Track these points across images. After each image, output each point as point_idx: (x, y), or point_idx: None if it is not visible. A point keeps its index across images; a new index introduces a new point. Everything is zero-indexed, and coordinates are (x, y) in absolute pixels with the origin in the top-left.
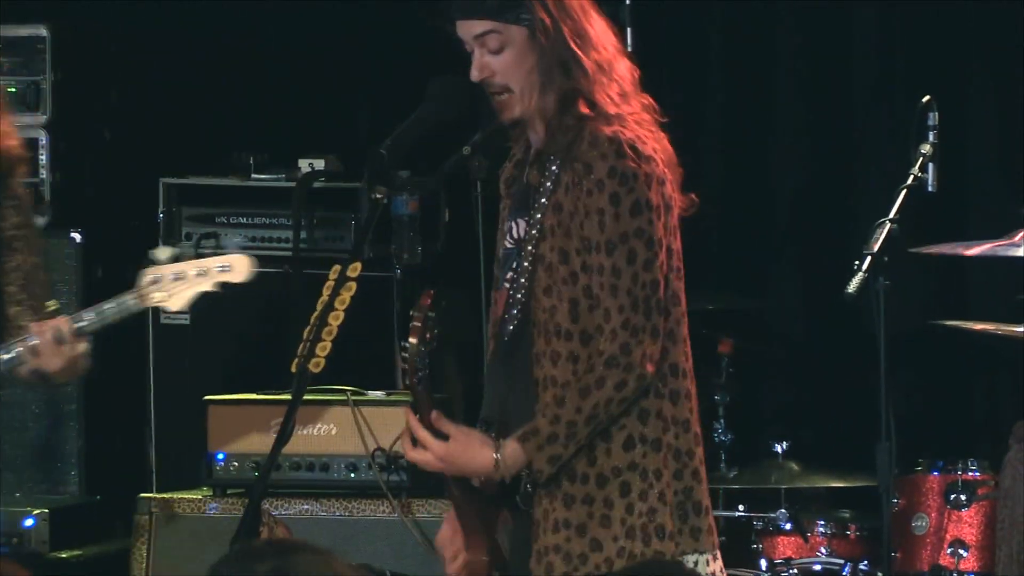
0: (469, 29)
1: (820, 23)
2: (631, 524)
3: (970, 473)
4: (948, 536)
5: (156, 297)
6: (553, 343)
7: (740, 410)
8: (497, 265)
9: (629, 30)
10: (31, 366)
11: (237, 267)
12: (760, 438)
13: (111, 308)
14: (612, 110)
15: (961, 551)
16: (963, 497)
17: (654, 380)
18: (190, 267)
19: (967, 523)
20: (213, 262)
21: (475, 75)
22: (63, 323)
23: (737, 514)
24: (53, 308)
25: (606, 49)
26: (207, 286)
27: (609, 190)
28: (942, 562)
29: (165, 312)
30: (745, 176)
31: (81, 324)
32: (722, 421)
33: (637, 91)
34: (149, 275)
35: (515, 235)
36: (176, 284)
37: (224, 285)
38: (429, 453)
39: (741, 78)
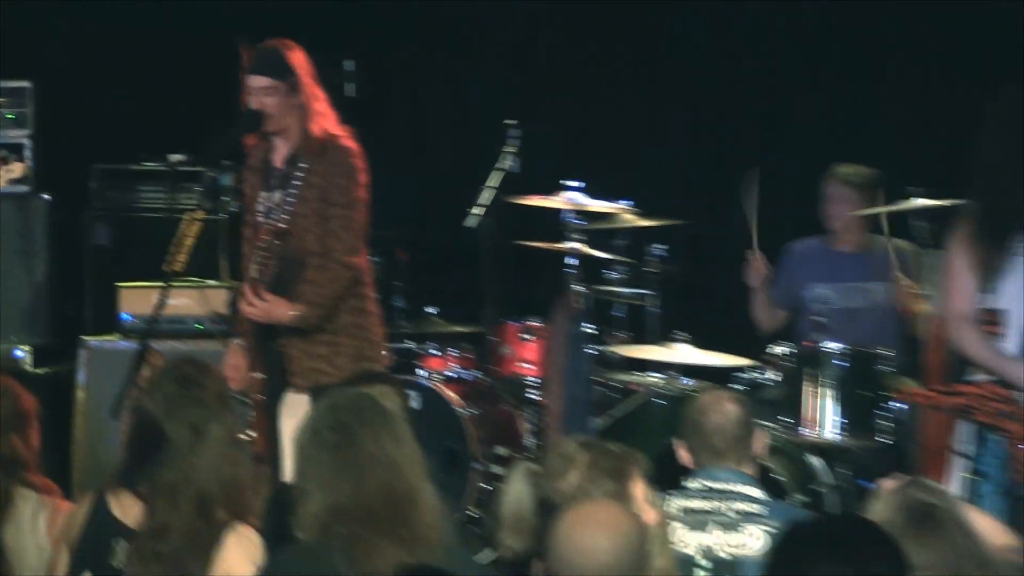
0: (256, 81)
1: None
2: (355, 354)
3: (533, 323)
4: (522, 357)
5: None
6: (309, 257)
7: (408, 290)
8: (252, 214)
9: (352, 85)
10: None
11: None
12: (421, 305)
13: None
14: (330, 132)
15: (528, 365)
16: (528, 336)
17: (363, 277)
18: None
19: (532, 349)
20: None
21: (255, 105)
22: None
23: (406, 345)
24: None
25: (323, 99)
26: None
27: (346, 175)
28: (519, 371)
29: None
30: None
31: None
32: (400, 296)
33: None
34: None
35: (272, 200)
36: None
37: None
38: (255, 308)
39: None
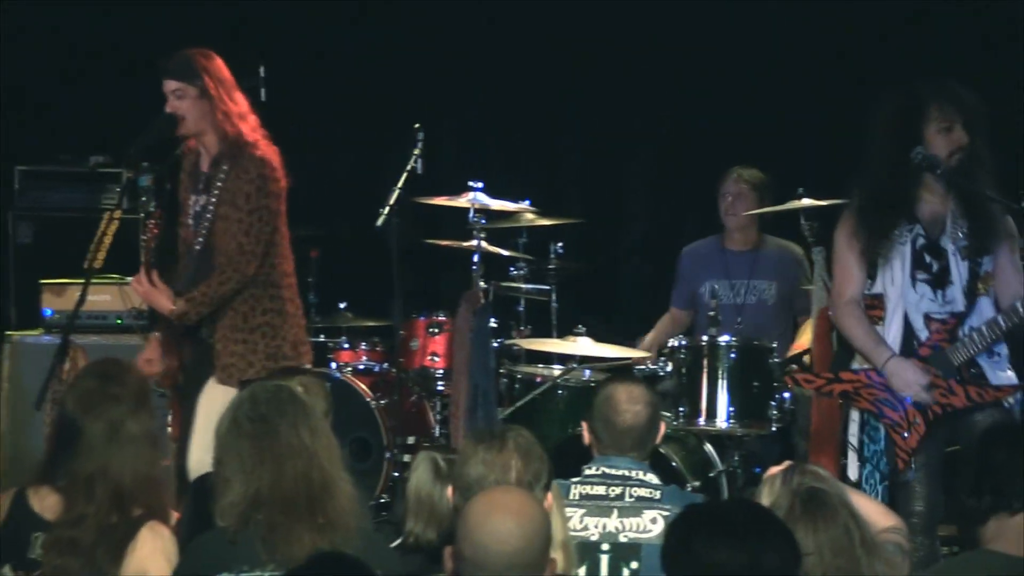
0: (167, 85)
1: None
2: (271, 353)
3: (439, 317)
4: (429, 350)
5: None
6: (217, 258)
7: (320, 286)
8: (185, 215)
9: (263, 90)
10: None
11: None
12: (333, 301)
13: None
14: (251, 138)
15: (435, 357)
16: (436, 330)
17: (264, 279)
18: None
19: (439, 343)
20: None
21: (170, 109)
22: None
23: (322, 339)
24: None
25: (242, 104)
26: None
27: (253, 181)
28: (427, 364)
29: None
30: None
31: None
32: (313, 292)
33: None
34: None
35: (199, 204)
36: None
37: None
38: (139, 286)
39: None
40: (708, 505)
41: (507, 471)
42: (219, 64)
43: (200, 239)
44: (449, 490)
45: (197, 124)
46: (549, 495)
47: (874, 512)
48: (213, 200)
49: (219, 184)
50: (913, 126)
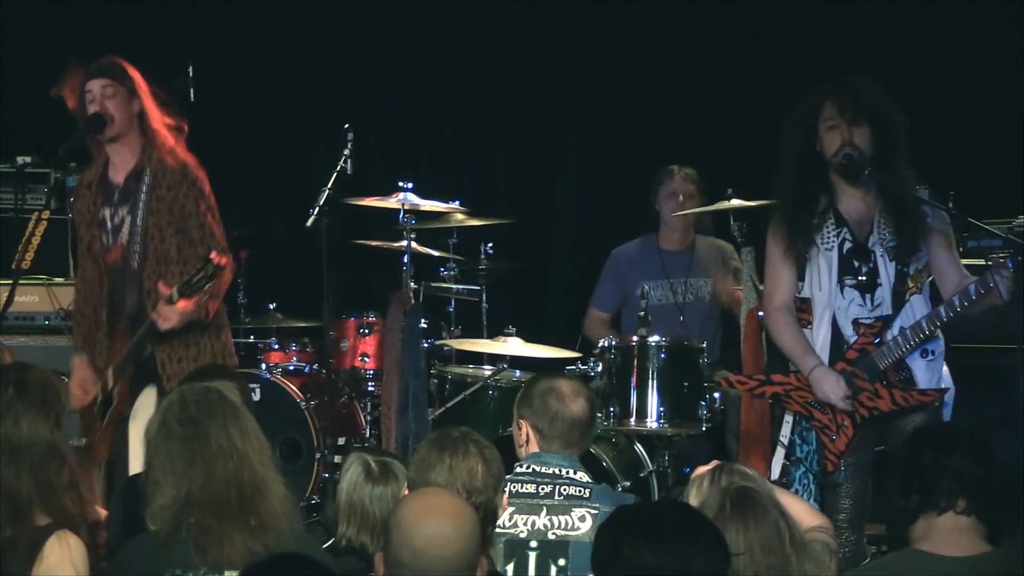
0: (95, 84)
1: None
2: (217, 354)
3: (369, 318)
4: (359, 350)
5: None
6: (152, 268)
7: (249, 287)
8: (91, 229)
9: (192, 90)
10: None
11: None
12: (262, 302)
13: None
14: (170, 144)
15: (366, 358)
16: (366, 330)
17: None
18: None
19: (369, 343)
20: None
21: (98, 108)
22: None
23: (251, 340)
24: None
25: (160, 110)
26: None
27: (195, 184)
28: (357, 364)
29: None
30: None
31: None
32: (242, 293)
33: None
34: None
35: (121, 214)
36: None
37: None
38: (170, 320)
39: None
40: (636, 507)
41: (473, 476)
42: (139, 75)
43: (136, 254)
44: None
45: (123, 126)
46: (505, 495)
47: (801, 511)
48: (142, 211)
49: (144, 194)
50: (810, 125)
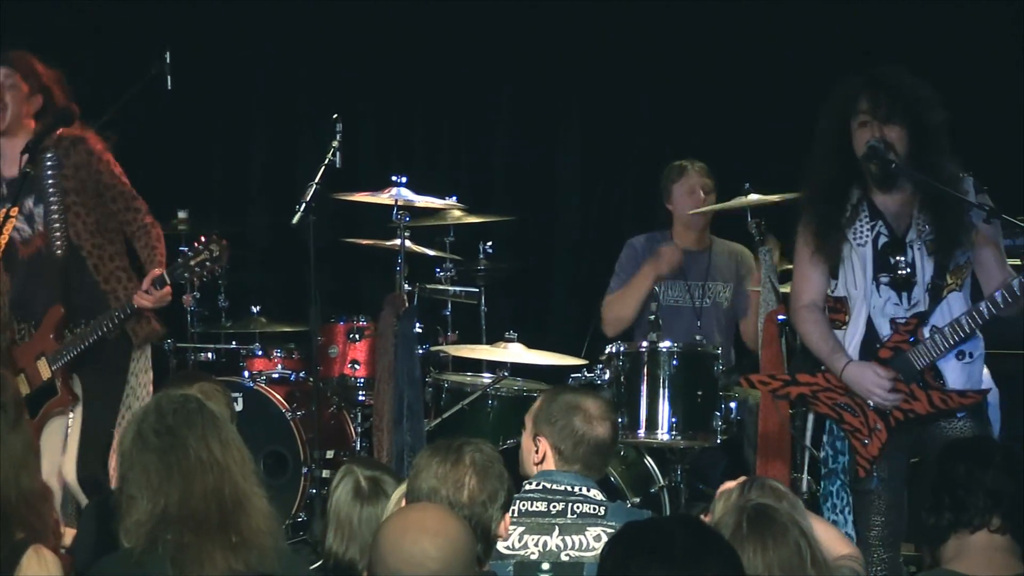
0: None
1: None
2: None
3: (360, 322)
4: (349, 357)
5: None
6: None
7: (231, 288)
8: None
9: (169, 77)
10: None
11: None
12: (244, 305)
13: None
14: (78, 132)
15: (356, 365)
16: (356, 335)
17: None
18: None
19: (359, 349)
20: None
21: None
22: None
23: (233, 346)
24: None
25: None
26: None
27: (104, 158)
28: (347, 372)
29: None
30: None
31: None
32: (223, 295)
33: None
34: None
35: (27, 207)
36: None
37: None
38: (150, 299)
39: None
40: (645, 524)
41: (460, 488)
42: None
43: (58, 242)
44: (392, 504)
45: (14, 121)
46: (507, 517)
47: (831, 538)
48: (58, 193)
49: (55, 179)
50: (842, 121)
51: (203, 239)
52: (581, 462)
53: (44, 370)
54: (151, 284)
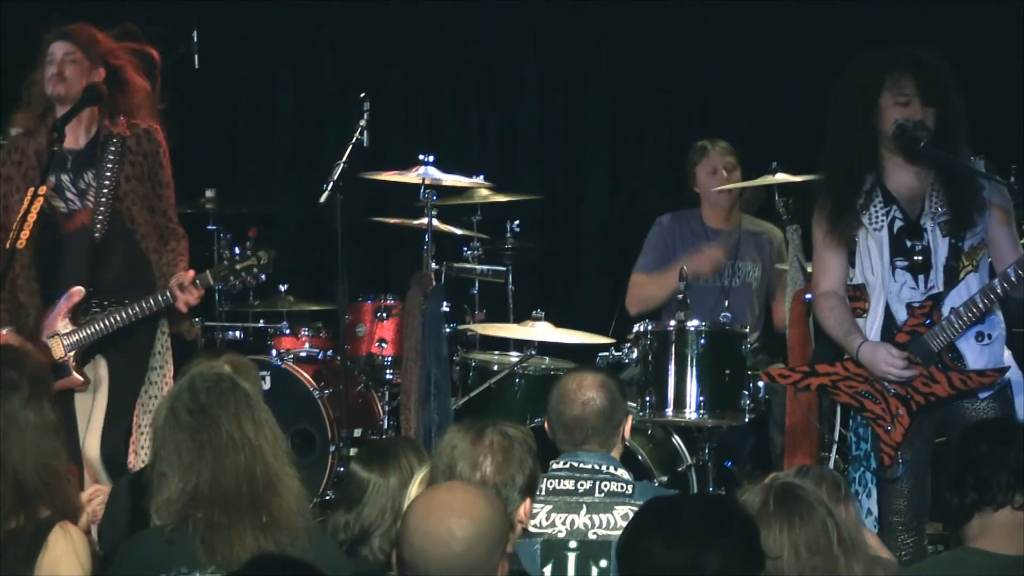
0: (61, 47)
1: None
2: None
3: (388, 301)
4: (377, 336)
5: None
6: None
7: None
8: (56, 194)
9: (196, 55)
10: None
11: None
12: (272, 283)
13: None
14: (150, 123)
15: (384, 344)
16: (384, 314)
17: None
18: None
19: (387, 328)
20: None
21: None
22: None
23: (261, 325)
24: None
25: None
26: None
27: (165, 155)
28: (374, 351)
29: None
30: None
31: None
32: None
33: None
34: None
35: (86, 179)
36: None
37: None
38: (194, 296)
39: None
40: (661, 502)
41: (476, 467)
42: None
43: (100, 222)
44: (416, 483)
45: (77, 94)
46: (527, 502)
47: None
48: (116, 175)
49: (118, 161)
50: (869, 98)
51: (249, 246)
52: (567, 440)
53: (57, 348)
54: (192, 284)
